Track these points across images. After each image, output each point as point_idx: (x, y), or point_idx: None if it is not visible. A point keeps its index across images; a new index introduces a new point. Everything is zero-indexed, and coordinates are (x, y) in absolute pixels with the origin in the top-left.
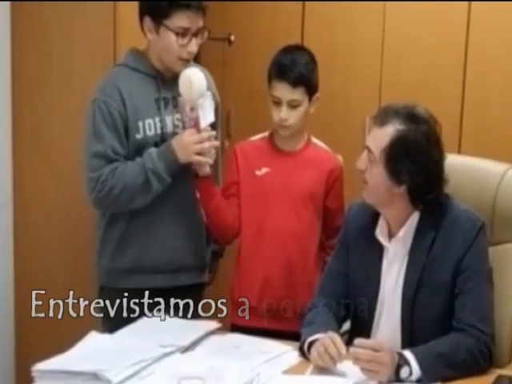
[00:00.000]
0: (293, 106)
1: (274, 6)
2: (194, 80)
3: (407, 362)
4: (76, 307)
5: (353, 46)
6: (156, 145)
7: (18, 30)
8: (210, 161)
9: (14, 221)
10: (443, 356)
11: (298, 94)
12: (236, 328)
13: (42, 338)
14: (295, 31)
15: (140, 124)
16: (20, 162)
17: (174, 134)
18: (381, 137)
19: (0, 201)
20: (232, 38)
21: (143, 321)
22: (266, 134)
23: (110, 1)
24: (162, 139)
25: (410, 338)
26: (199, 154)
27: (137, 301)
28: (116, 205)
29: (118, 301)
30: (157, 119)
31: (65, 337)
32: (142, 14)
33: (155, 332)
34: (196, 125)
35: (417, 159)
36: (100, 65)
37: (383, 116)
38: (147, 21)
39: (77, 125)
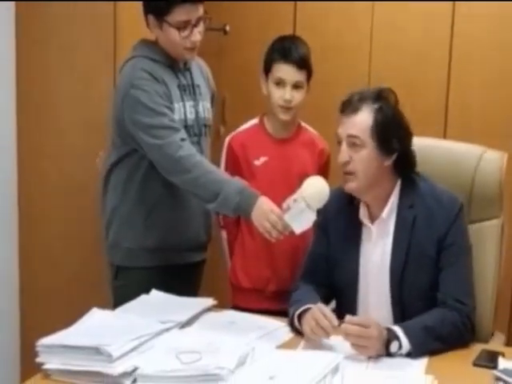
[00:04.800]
0: (297, 87)
1: None
2: (326, 195)
3: (396, 337)
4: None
5: (344, 32)
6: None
7: (22, 29)
8: (272, 239)
9: (18, 205)
10: (430, 329)
11: (301, 76)
12: (238, 309)
13: (47, 314)
14: (288, 22)
15: (173, 106)
16: (24, 159)
17: (193, 120)
18: (361, 121)
19: (5, 192)
20: (227, 28)
21: (143, 298)
22: (256, 121)
23: (110, 1)
24: (185, 125)
25: (401, 314)
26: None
27: (155, 278)
28: (176, 175)
29: (137, 279)
30: (181, 104)
31: (70, 314)
32: (146, 13)
33: (154, 309)
34: (285, 212)
35: (401, 124)
36: (102, 61)
37: (353, 104)
38: (151, 19)
39: (79, 119)
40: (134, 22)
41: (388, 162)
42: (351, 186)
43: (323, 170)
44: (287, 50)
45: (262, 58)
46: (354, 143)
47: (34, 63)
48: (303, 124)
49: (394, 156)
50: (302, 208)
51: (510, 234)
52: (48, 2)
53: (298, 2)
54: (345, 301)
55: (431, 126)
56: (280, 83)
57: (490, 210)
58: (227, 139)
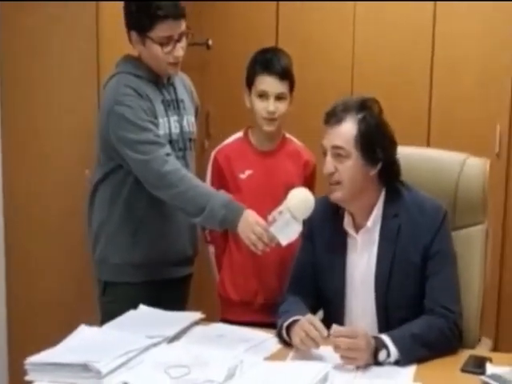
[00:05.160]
0: (280, 98)
1: (248, 12)
2: (310, 205)
3: (384, 345)
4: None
5: (325, 46)
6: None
7: (4, 45)
8: (258, 252)
9: (5, 219)
10: (418, 337)
11: (284, 87)
12: (227, 322)
13: (35, 331)
14: (270, 35)
15: (157, 121)
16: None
17: (178, 135)
18: (346, 131)
19: None
20: (210, 42)
21: (130, 313)
22: (241, 134)
23: (93, 1)
24: (170, 140)
25: (385, 322)
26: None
27: (143, 294)
28: (162, 190)
29: (125, 295)
30: (165, 119)
31: (58, 331)
32: (128, 29)
33: (142, 324)
34: (271, 224)
35: (385, 133)
36: (85, 77)
37: (337, 114)
38: (133, 35)
39: (63, 136)
40: (117, 38)
41: (373, 172)
42: (337, 196)
43: (309, 182)
44: (269, 61)
45: (245, 71)
46: (339, 154)
47: (17, 79)
48: (288, 136)
49: (379, 165)
50: (288, 219)
51: (494, 239)
52: (32, 18)
53: (280, 16)
54: (332, 310)
55: (414, 134)
56: (263, 95)
57: (475, 216)
58: (213, 153)
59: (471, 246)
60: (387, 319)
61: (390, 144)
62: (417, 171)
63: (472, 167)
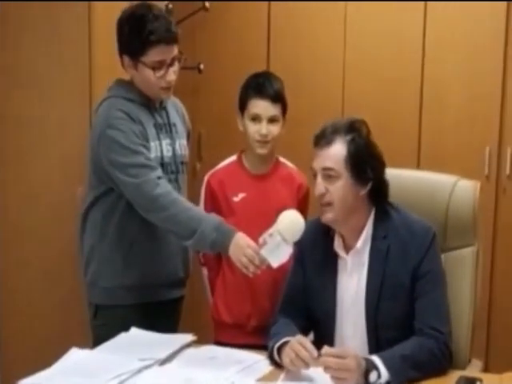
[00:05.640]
0: (272, 121)
1: (239, 36)
2: (300, 228)
3: (375, 366)
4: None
5: (316, 72)
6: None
7: None
8: (250, 274)
9: None
10: (408, 358)
11: (277, 110)
12: (220, 344)
13: (26, 354)
14: (261, 59)
15: (149, 145)
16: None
17: (171, 158)
18: (335, 153)
19: None
20: (201, 66)
21: (122, 336)
22: (234, 158)
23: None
24: (162, 163)
25: (376, 344)
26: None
27: (134, 316)
28: (153, 213)
29: (116, 318)
30: (157, 143)
31: (49, 353)
32: (121, 53)
33: (134, 346)
34: (262, 246)
35: (373, 154)
36: (77, 101)
37: (326, 136)
38: (126, 59)
39: (55, 159)
40: (109, 62)
41: (363, 192)
42: (328, 217)
43: (302, 205)
44: (261, 85)
45: (237, 95)
46: (329, 175)
47: (9, 102)
48: (281, 159)
49: (369, 185)
50: (278, 242)
51: (484, 261)
52: (24, 40)
53: (271, 40)
54: (323, 332)
55: (405, 157)
56: (256, 118)
57: (465, 238)
58: (206, 177)
59: (462, 268)
60: (378, 340)
61: (379, 163)
62: (408, 193)
63: (462, 189)
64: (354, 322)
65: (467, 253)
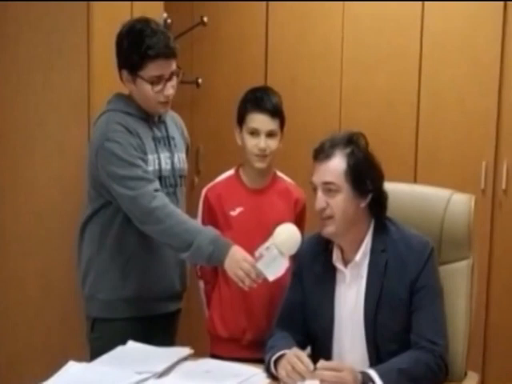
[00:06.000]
0: (271, 135)
1: (238, 51)
2: (297, 241)
3: (371, 380)
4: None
5: (314, 86)
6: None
7: None
8: (246, 288)
9: None
10: (404, 371)
11: (275, 124)
12: (216, 358)
13: (24, 367)
14: (259, 74)
15: (147, 158)
16: None
17: (169, 171)
18: (335, 166)
19: None
20: (200, 81)
21: (119, 349)
22: (232, 172)
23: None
24: (160, 177)
25: (376, 357)
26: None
27: (132, 329)
28: (150, 226)
29: (114, 331)
30: (155, 156)
31: (47, 367)
32: (119, 67)
33: (131, 359)
34: (258, 260)
35: (372, 165)
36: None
37: (326, 151)
38: (124, 73)
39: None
40: (108, 76)
41: (363, 203)
42: (329, 230)
43: (299, 219)
44: (260, 99)
45: (235, 109)
46: (329, 189)
47: (7, 117)
48: (278, 173)
49: (369, 197)
50: (275, 255)
51: (480, 274)
52: (22, 54)
53: (269, 55)
54: (320, 345)
55: (401, 171)
56: (254, 132)
57: (460, 251)
58: (204, 191)
59: (457, 281)
60: (378, 353)
61: (378, 175)
62: (403, 207)
63: (457, 203)
64: (352, 334)
65: (462, 266)
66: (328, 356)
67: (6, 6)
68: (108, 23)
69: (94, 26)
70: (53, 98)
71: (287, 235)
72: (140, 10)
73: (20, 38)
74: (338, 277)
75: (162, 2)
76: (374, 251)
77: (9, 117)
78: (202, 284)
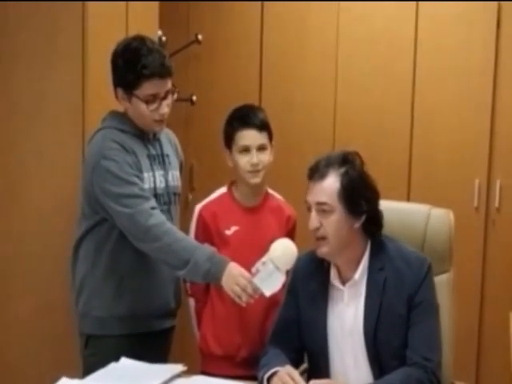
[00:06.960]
0: (261, 149)
1: (232, 68)
2: (293, 256)
3: None
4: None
5: (308, 104)
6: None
7: None
8: (243, 303)
9: None
10: None
11: (264, 138)
12: (208, 376)
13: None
14: (253, 92)
15: (143, 175)
16: None
17: (164, 189)
18: (329, 186)
19: None
20: (194, 98)
21: (112, 366)
22: (224, 190)
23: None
24: (155, 194)
25: (380, 374)
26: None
27: (125, 346)
28: (146, 243)
29: (107, 348)
30: (150, 174)
31: (39, 383)
32: (115, 85)
33: (124, 376)
34: (254, 275)
35: (367, 185)
36: (70, 132)
37: (320, 170)
38: (120, 92)
39: (47, 190)
40: (103, 93)
41: (357, 224)
42: (323, 251)
43: (290, 236)
44: (246, 116)
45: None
46: (323, 210)
47: (0, 134)
48: (270, 191)
49: (363, 217)
50: (271, 270)
51: (474, 288)
52: (19, 70)
53: (264, 73)
54: (316, 362)
55: (395, 189)
56: (245, 150)
57: (442, 265)
58: (198, 209)
59: (440, 294)
60: (381, 370)
61: (372, 195)
62: (386, 223)
63: (437, 218)
64: (354, 352)
65: (444, 279)
66: (326, 374)
67: None
68: (103, 41)
69: (89, 43)
70: (48, 114)
71: (283, 250)
72: (135, 28)
73: (16, 55)
74: (335, 295)
75: (156, 20)
76: (371, 269)
77: (2, 134)
78: (192, 302)
